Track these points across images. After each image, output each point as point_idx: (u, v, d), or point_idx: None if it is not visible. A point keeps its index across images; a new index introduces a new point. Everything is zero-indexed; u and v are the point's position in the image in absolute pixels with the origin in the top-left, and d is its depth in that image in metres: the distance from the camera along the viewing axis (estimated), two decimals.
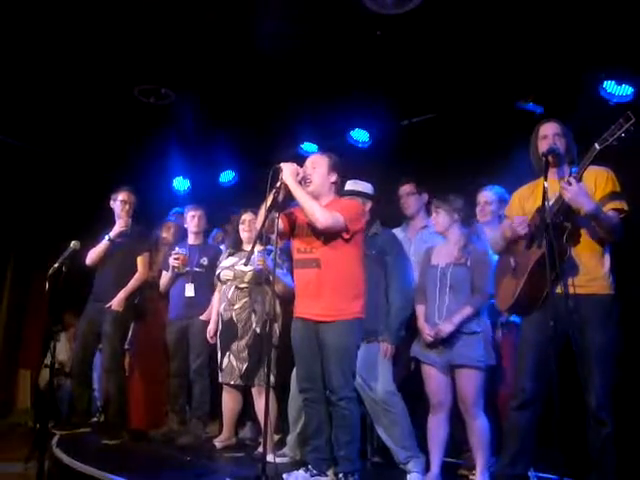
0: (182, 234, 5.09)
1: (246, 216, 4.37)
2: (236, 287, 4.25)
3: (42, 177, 6.78)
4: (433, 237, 4.04)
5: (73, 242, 4.10)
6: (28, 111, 5.82)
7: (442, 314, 3.47)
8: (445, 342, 3.45)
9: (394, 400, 3.71)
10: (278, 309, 4.17)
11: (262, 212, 3.28)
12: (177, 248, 4.72)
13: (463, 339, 3.43)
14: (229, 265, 4.33)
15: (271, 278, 3.89)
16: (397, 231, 4.38)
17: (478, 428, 3.40)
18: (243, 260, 4.03)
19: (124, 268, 4.81)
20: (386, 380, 3.72)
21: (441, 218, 3.63)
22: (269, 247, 4.07)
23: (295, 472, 3.34)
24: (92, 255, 4.81)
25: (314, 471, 3.30)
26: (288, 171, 3.27)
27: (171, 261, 4.66)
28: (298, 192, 3.28)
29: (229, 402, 4.37)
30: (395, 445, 3.68)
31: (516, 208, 3.21)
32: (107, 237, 4.78)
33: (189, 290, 4.68)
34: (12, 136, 6.36)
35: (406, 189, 4.50)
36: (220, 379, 4.28)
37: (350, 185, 4.02)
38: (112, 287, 4.75)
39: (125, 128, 6.03)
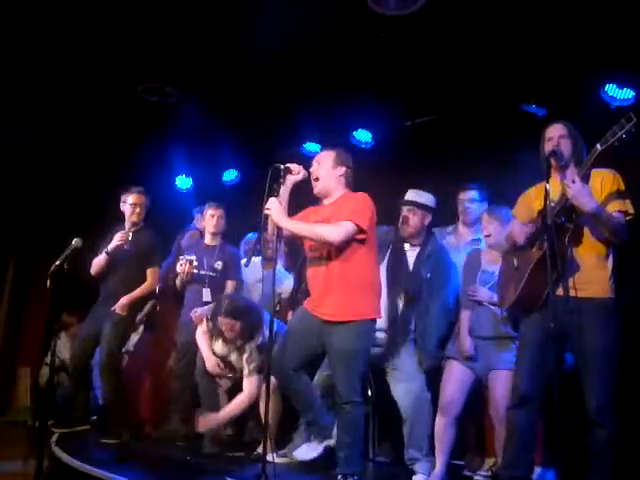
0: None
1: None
2: None
3: (45, 174, 6.80)
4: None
5: (75, 239, 4.08)
6: (31, 109, 5.83)
7: (489, 320, 3.50)
8: (488, 345, 3.48)
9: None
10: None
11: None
12: (186, 255, 4.63)
13: (505, 343, 3.45)
14: None
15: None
16: (445, 233, 4.35)
17: None
18: None
19: (131, 277, 4.69)
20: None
21: (494, 229, 3.61)
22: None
23: (299, 447, 3.41)
24: (95, 267, 4.73)
25: (315, 441, 3.34)
26: (276, 211, 3.21)
27: (178, 267, 4.59)
28: (296, 227, 3.27)
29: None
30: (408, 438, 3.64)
31: (524, 208, 3.19)
32: (105, 251, 4.66)
33: (206, 295, 4.61)
34: (15, 133, 6.37)
35: (470, 195, 4.30)
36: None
37: (411, 195, 3.94)
38: (119, 294, 4.66)
39: (128, 126, 6.03)
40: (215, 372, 4.15)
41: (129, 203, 4.73)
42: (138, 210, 4.72)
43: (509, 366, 3.38)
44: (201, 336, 4.27)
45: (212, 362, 4.15)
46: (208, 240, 4.78)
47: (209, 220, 4.73)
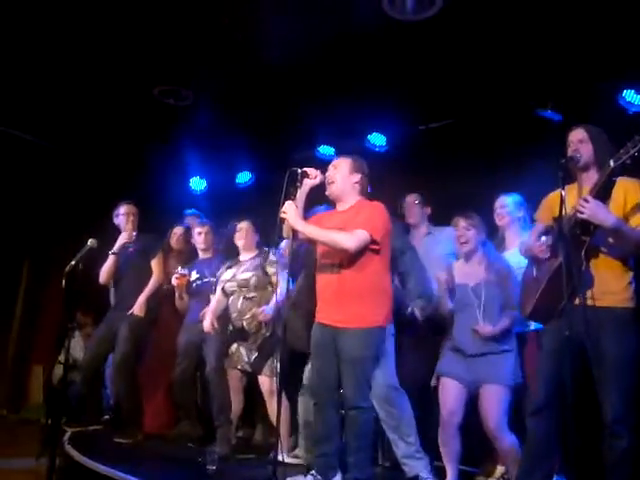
0: (189, 239, 5.11)
1: (242, 224, 4.40)
2: (244, 297, 4.24)
3: (60, 175, 6.84)
4: (437, 244, 4.19)
5: (90, 240, 4.11)
6: (48, 110, 5.88)
7: (472, 337, 3.47)
8: (474, 361, 3.44)
9: (395, 396, 3.54)
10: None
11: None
12: (180, 268, 4.73)
13: (493, 358, 3.42)
14: (230, 277, 4.32)
15: (274, 280, 4.07)
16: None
17: (507, 447, 3.34)
18: (242, 268, 4.25)
19: (142, 275, 4.83)
20: (388, 374, 3.52)
21: (472, 235, 3.59)
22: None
23: (299, 477, 3.28)
24: (103, 274, 4.84)
25: (318, 477, 3.19)
26: (292, 214, 3.22)
27: (173, 280, 4.69)
28: (312, 231, 3.27)
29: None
30: (400, 445, 3.54)
31: (546, 213, 3.13)
32: (111, 252, 4.79)
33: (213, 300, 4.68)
34: (32, 134, 6.43)
35: (411, 199, 4.67)
36: (225, 364, 4.30)
37: None
38: (133, 294, 4.77)
39: (144, 128, 6.07)
40: (207, 330, 4.25)
41: (122, 213, 4.92)
42: (132, 218, 4.92)
43: (499, 381, 3.38)
44: (219, 292, 4.38)
45: (209, 320, 4.25)
46: (202, 255, 4.91)
47: (197, 237, 4.87)
